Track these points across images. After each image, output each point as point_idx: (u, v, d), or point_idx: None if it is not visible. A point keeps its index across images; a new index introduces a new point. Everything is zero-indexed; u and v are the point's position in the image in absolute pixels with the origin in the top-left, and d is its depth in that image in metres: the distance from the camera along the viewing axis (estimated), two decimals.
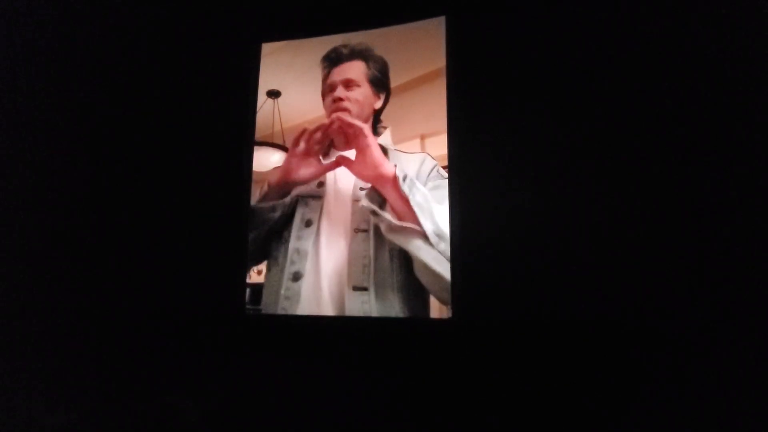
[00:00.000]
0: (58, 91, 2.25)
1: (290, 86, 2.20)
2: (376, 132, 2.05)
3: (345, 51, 2.11)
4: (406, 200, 1.87)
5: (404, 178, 1.89)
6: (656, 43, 1.70)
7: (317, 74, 2.15)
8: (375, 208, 1.91)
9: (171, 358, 2.00)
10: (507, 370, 1.70)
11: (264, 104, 2.20)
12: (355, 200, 2.00)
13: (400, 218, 1.88)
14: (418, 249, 1.85)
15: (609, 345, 1.61)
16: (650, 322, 1.58)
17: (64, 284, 2.12)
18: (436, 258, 1.83)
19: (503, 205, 1.80)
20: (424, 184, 1.91)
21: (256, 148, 2.18)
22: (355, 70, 2.08)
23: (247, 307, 2.06)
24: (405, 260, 1.88)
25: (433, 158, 1.95)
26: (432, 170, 1.93)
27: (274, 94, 2.21)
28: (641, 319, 1.59)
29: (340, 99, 2.05)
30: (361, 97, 2.06)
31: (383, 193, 1.93)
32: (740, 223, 1.53)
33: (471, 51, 1.92)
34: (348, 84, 2.07)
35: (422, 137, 1.98)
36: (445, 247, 1.82)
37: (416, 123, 1.99)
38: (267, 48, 2.24)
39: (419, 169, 1.94)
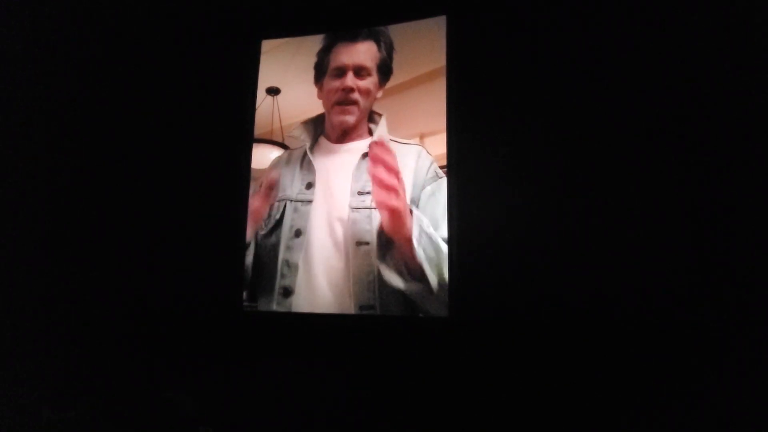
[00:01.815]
0: (59, 88, 2.25)
1: (290, 84, 2.19)
2: (371, 119, 1.98)
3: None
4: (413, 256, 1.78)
5: (420, 237, 1.78)
6: (655, 43, 1.70)
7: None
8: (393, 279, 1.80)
9: (170, 353, 2.00)
10: (502, 367, 1.71)
11: (263, 101, 2.20)
12: (354, 208, 1.90)
13: (408, 266, 1.80)
14: (421, 297, 1.79)
15: (604, 343, 1.62)
16: (646, 320, 1.59)
17: (65, 282, 2.12)
18: (436, 306, 1.78)
19: (501, 204, 1.80)
20: (422, 188, 1.85)
21: (255, 145, 2.17)
22: (368, 53, 1.96)
23: (245, 304, 2.06)
24: (408, 271, 1.81)
25: (428, 153, 1.90)
26: (429, 169, 1.87)
27: (273, 91, 2.20)
28: (636, 317, 1.60)
29: (351, 89, 1.94)
30: (371, 86, 1.95)
31: (396, 241, 1.82)
32: (738, 222, 1.54)
33: (471, 50, 1.92)
34: (360, 71, 1.96)
35: (421, 136, 1.97)
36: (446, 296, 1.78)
37: (416, 122, 1.98)
38: (267, 45, 2.24)
39: (416, 164, 1.88)
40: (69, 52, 2.26)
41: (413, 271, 1.79)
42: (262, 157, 2.16)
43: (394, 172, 1.84)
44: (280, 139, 2.15)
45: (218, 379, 1.90)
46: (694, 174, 1.61)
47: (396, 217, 1.81)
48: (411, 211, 1.83)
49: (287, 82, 2.20)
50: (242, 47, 2.23)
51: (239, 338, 2.02)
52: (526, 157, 1.81)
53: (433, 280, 1.79)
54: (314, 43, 2.15)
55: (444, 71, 1.94)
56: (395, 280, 1.80)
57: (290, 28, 2.21)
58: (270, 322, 2.02)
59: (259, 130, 2.18)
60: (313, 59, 2.12)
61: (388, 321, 1.86)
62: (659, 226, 1.63)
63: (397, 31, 2.03)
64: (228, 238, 2.11)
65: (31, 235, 2.14)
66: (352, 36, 2.00)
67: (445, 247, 1.80)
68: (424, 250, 1.80)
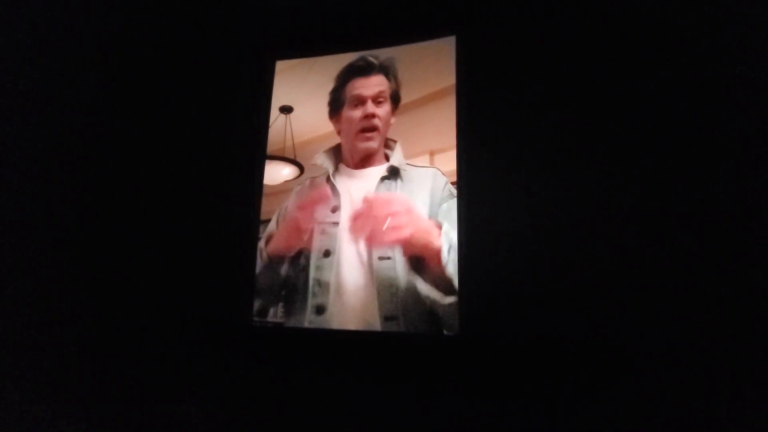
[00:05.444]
0: (73, 105, 2.29)
1: (302, 102, 2.26)
2: (386, 146, 2.07)
3: (375, 62, 2.11)
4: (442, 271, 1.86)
5: (449, 252, 1.86)
6: (666, 61, 1.73)
7: (329, 91, 2.18)
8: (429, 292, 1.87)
9: (178, 367, 2.00)
10: (514, 385, 1.70)
11: (276, 119, 2.26)
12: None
13: (440, 279, 1.87)
14: (452, 310, 1.84)
15: (615, 362, 1.61)
16: (658, 341, 1.58)
17: (75, 294, 2.13)
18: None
19: (511, 221, 1.81)
20: (439, 205, 1.93)
21: (267, 161, 2.23)
22: (381, 84, 2.10)
23: (254, 318, 2.07)
24: (442, 285, 1.85)
25: (443, 174, 1.95)
26: (444, 188, 1.94)
27: (286, 109, 2.26)
28: (648, 338, 1.59)
29: (373, 115, 2.06)
30: (386, 113, 2.08)
31: (426, 258, 1.89)
32: (752, 244, 1.54)
33: (480, 69, 1.97)
34: (377, 99, 2.08)
35: (431, 153, 2.01)
36: None
37: (426, 139, 2.02)
38: (281, 65, 2.31)
39: (432, 185, 1.95)
40: (87, 65, 2.31)
41: (445, 284, 1.85)
42: (275, 173, 2.21)
43: (401, 210, 1.94)
44: (292, 156, 2.20)
45: (226, 393, 1.90)
46: (715, 188, 1.60)
47: (414, 241, 1.91)
48: (440, 227, 1.89)
49: (299, 101, 2.26)
50: (257, 67, 2.30)
51: (248, 352, 2.02)
52: (537, 174, 1.82)
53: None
54: (325, 63, 2.22)
55: (453, 90, 1.99)
56: (432, 292, 1.86)
57: (303, 49, 2.29)
58: (279, 336, 2.02)
59: (271, 147, 2.24)
60: (325, 78, 2.19)
61: (398, 337, 1.86)
62: (677, 244, 1.61)
63: (407, 51, 2.10)
64: (239, 251, 2.13)
65: (41, 247, 2.17)
66: (365, 72, 2.13)
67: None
68: (455, 265, 1.85)
